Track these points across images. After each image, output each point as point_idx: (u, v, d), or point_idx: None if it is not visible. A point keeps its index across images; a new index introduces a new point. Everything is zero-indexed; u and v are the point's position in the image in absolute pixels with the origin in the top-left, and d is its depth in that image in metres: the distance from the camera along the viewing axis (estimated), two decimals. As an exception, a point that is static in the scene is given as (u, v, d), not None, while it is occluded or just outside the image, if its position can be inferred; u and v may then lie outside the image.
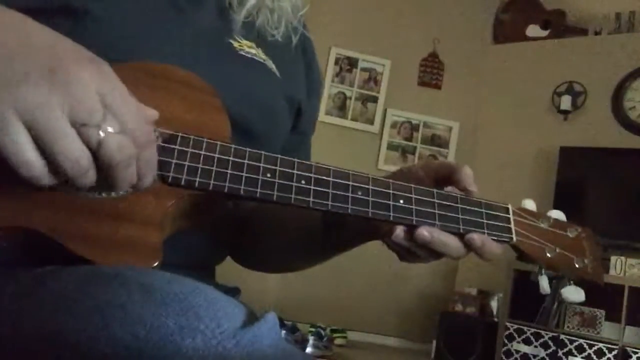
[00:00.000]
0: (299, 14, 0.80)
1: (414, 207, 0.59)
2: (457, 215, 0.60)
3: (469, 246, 0.60)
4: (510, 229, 0.62)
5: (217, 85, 0.59)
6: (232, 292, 0.74)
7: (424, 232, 0.58)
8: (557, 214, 0.65)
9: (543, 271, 0.63)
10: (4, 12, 0.45)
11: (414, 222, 0.58)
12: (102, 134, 0.43)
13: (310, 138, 0.88)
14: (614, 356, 3.07)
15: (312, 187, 0.56)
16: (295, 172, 0.56)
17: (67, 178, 0.43)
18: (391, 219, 0.57)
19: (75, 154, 0.42)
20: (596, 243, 0.64)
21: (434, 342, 3.68)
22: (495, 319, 3.57)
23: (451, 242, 0.60)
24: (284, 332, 3.27)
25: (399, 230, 0.59)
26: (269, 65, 0.73)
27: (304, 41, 0.84)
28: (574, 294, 0.62)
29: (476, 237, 0.60)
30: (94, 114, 0.43)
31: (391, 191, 0.59)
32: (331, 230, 0.68)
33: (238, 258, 0.83)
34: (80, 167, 0.43)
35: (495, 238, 0.61)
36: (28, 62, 0.42)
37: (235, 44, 0.70)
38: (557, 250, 0.62)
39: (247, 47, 0.71)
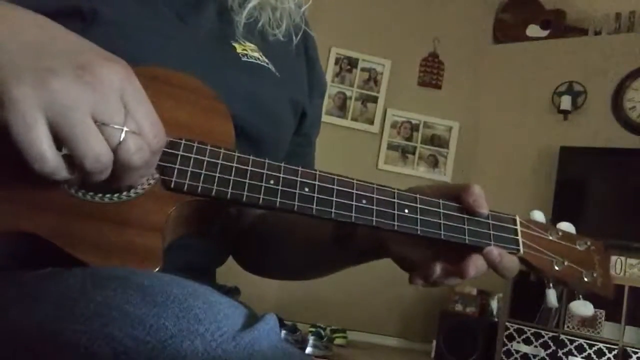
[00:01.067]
0: (301, 9, 0.79)
1: (418, 216, 0.58)
2: (462, 226, 0.59)
3: (487, 261, 0.59)
4: (517, 240, 0.61)
5: (220, 90, 0.58)
6: (232, 292, 0.74)
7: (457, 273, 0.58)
8: (567, 226, 0.64)
9: (551, 284, 0.62)
10: (28, 12, 0.46)
11: (419, 232, 0.57)
12: (122, 134, 0.43)
13: (315, 139, 0.87)
14: (614, 356, 3.07)
15: (315, 195, 0.55)
16: (298, 179, 0.55)
17: (84, 174, 0.44)
18: (396, 228, 0.57)
19: (96, 151, 0.42)
20: (606, 256, 0.63)
21: (434, 342, 3.69)
22: (495, 319, 3.57)
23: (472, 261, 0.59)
24: (284, 332, 3.26)
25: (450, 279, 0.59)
26: (272, 69, 0.72)
27: (305, 39, 0.83)
28: (581, 308, 0.61)
29: (494, 251, 0.59)
30: (117, 114, 0.43)
31: (396, 200, 0.58)
32: (339, 245, 0.67)
33: (242, 263, 0.83)
34: (101, 164, 0.43)
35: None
36: (56, 59, 0.42)
37: (239, 48, 0.69)
38: (566, 263, 0.61)
39: (250, 51, 0.70)
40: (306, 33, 0.83)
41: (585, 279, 0.61)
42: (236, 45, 0.70)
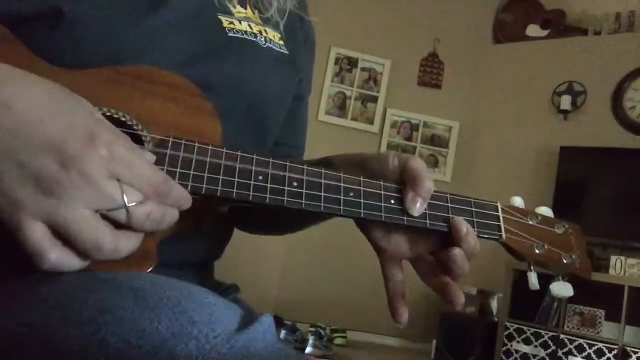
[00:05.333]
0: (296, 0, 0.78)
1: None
2: (447, 215, 0.60)
3: (455, 232, 0.59)
4: (500, 227, 0.62)
5: (206, 75, 0.58)
6: (231, 289, 0.74)
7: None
8: (545, 211, 0.65)
9: (532, 268, 0.63)
10: (11, 93, 0.44)
11: (405, 222, 0.59)
12: (128, 210, 0.44)
13: (307, 99, 0.86)
14: (614, 356, 3.06)
15: (304, 191, 0.56)
16: (287, 174, 0.56)
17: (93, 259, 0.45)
18: (383, 219, 0.58)
19: (95, 241, 0.43)
20: (584, 239, 0.64)
21: (434, 342, 3.68)
22: (495, 319, 3.57)
23: None
24: (283, 332, 3.26)
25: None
26: (260, 41, 0.70)
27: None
28: (562, 289, 0.62)
29: (463, 223, 0.59)
30: (115, 198, 0.43)
31: (382, 192, 0.59)
32: None
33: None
34: (104, 251, 0.43)
35: (486, 236, 0.61)
36: (38, 159, 0.42)
37: (226, 21, 0.67)
38: (546, 246, 0.63)
39: (238, 22, 0.69)
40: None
41: (565, 261, 0.62)
42: (223, 17, 0.68)
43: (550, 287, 0.62)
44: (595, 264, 3.37)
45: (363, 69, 4.27)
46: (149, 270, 0.49)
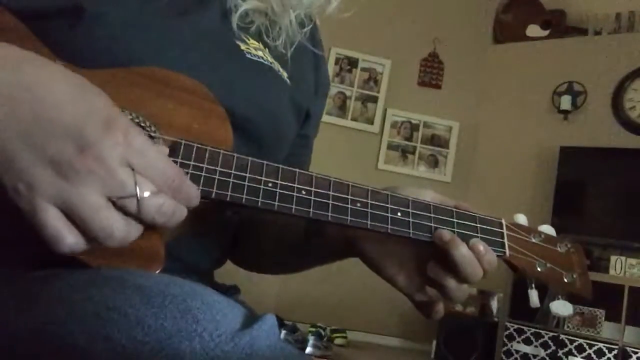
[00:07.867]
0: (303, 30, 0.77)
1: (410, 220, 0.60)
2: (452, 229, 0.61)
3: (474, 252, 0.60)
4: (503, 243, 0.63)
5: (220, 88, 0.58)
6: (231, 290, 0.74)
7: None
8: (548, 229, 0.66)
9: (534, 285, 0.63)
10: (24, 74, 0.44)
11: (411, 234, 0.59)
12: (138, 199, 0.44)
13: (313, 140, 0.87)
14: (614, 356, 3.07)
15: (312, 198, 0.56)
16: (296, 184, 0.56)
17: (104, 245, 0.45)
18: (389, 231, 0.58)
19: (107, 229, 0.43)
20: (584, 258, 0.65)
21: (434, 342, 3.69)
22: (495, 319, 3.57)
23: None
24: (284, 332, 3.27)
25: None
26: (275, 69, 0.71)
27: (312, 35, 0.82)
28: (561, 308, 0.63)
29: (480, 243, 0.60)
30: (127, 185, 0.44)
31: (389, 205, 0.59)
32: (310, 240, 0.69)
33: (231, 258, 0.84)
34: (116, 238, 0.44)
35: None
36: (56, 143, 0.42)
37: (243, 46, 0.69)
38: (548, 265, 0.63)
39: (254, 49, 0.70)
40: (313, 30, 0.81)
41: (566, 280, 0.63)
42: (240, 43, 0.69)
43: (550, 305, 0.62)
44: (595, 264, 3.38)
45: (363, 69, 4.26)
46: (156, 272, 0.49)
